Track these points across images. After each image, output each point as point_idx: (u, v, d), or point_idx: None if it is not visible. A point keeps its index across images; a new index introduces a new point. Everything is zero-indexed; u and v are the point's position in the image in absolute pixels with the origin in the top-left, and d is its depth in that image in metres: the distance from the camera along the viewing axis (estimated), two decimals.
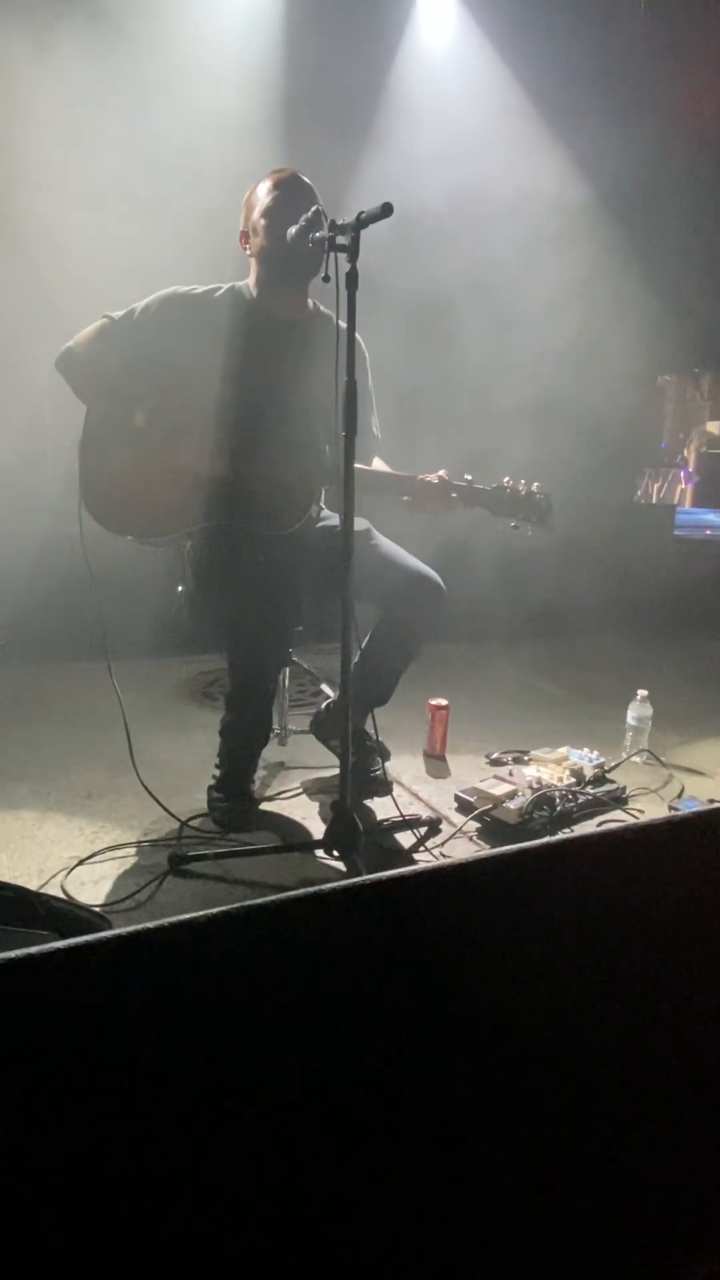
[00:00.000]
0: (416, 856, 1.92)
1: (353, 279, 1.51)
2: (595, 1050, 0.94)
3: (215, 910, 0.77)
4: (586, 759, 2.33)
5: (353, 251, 1.50)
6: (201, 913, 0.78)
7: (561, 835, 1.80)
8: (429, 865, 0.86)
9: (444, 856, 1.92)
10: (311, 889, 0.78)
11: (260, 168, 1.98)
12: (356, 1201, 0.81)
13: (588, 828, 2.10)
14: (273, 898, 0.77)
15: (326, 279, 1.53)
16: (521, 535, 1.84)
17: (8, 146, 2.88)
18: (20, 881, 1.74)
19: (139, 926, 0.77)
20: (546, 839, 0.91)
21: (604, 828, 0.94)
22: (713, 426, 9.67)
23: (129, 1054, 0.78)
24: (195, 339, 1.90)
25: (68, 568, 2.04)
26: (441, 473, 1.86)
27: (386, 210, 1.38)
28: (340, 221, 1.51)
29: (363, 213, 1.43)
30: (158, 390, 1.90)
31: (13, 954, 0.74)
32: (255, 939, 0.80)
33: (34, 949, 0.75)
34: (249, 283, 2.00)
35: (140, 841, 1.96)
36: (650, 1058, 0.98)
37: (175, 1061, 0.78)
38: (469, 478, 1.87)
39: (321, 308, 2.06)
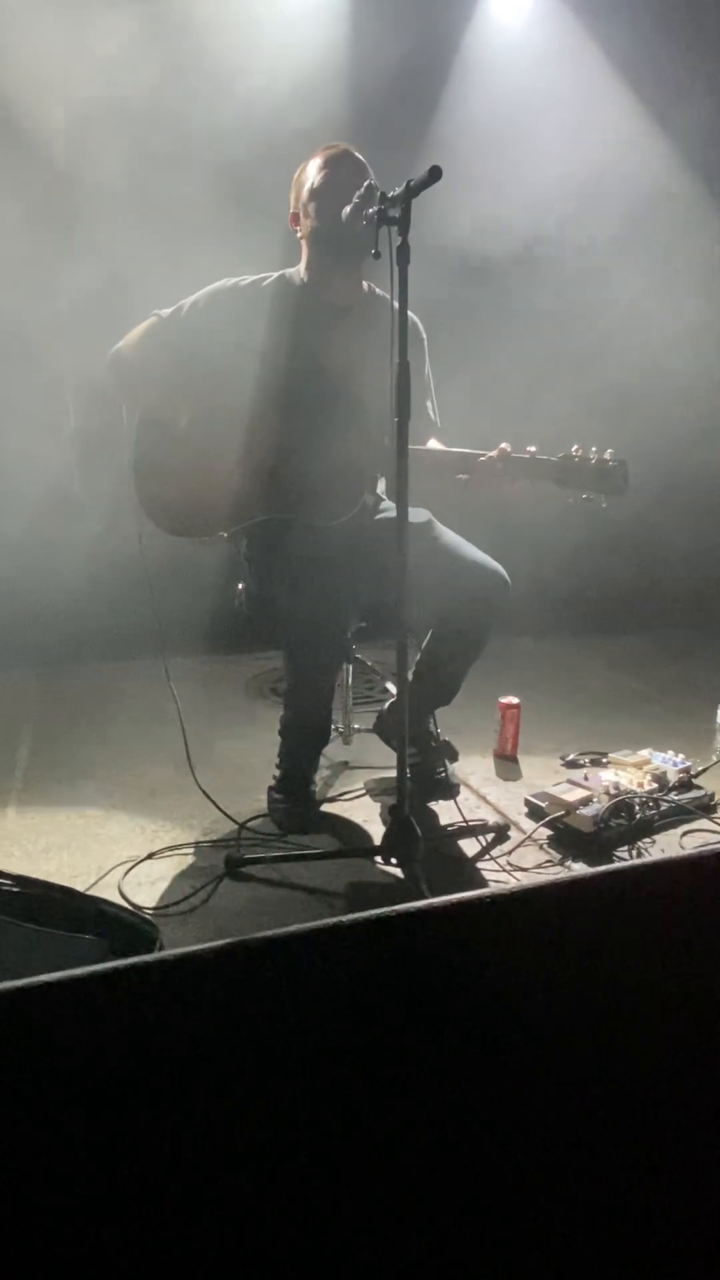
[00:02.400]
0: (481, 865, 1.82)
1: (404, 253, 1.42)
2: (621, 1092, 0.84)
3: (220, 943, 0.71)
4: (671, 762, 2.17)
5: (404, 224, 1.41)
6: (206, 945, 0.72)
7: (632, 859, 1.67)
8: (468, 896, 0.78)
9: (511, 866, 1.82)
10: (321, 923, 0.71)
11: (326, 139, 1.90)
12: (366, 1232, 0.75)
13: (670, 838, 1.94)
14: (278, 931, 0.70)
15: (377, 255, 1.44)
16: (595, 507, 1.69)
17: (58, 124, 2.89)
18: (79, 880, 1.75)
19: (143, 958, 0.72)
20: (580, 871, 0.81)
21: (650, 859, 0.83)
22: None
23: (141, 1084, 0.74)
24: (246, 330, 1.85)
25: (139, 564, 2.04)
26: (503, 445, 1.73)
27: (434, 174, 1.28)
28: (390, 194, 1.42)
29: (411, 181, 1.34)
30: (210, 385, 1.87)
31: (11, 985, 0.71)
32: (267, 972, 0.74)
33: (38, 979, 0.71)
34: (300, 268, 1.94)
35: (199, 842, 1.93)
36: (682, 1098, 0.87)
37: (182, 1091, 0.74)
38: (533, 449, 1.72)
39: (377, 290, 1.97)
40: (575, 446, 1.69)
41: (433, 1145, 0.78)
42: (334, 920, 0.72)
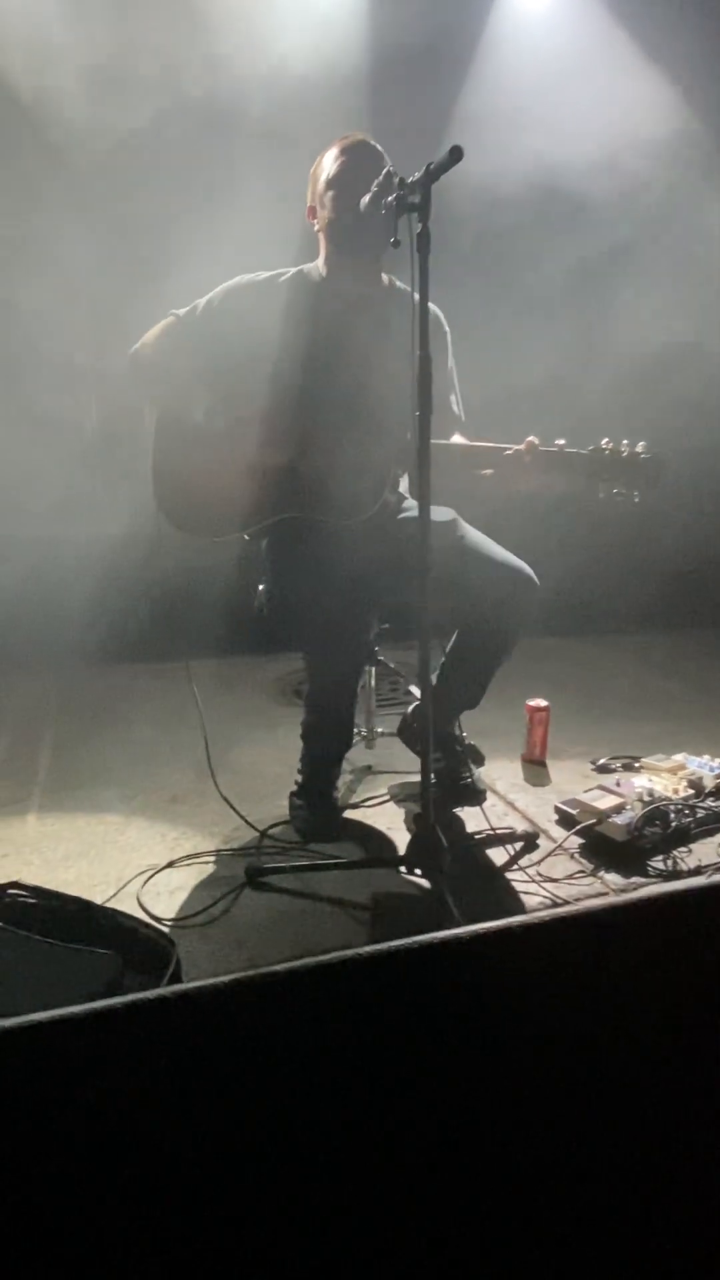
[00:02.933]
0: (509, 875, 1.76)
1: (424, 241, 1.36)
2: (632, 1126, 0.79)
3: (225, 979, 0.66)
4: (707, 767, 2.08)
5: (424, 210, 1.35)
6: (209, 981, 0.67)
7: (661, 884, 1.59)
8: (501, 924, 0.72)
9: (540, 876, 1.75)
10: (325, 958, 0.66)
11: (346, 123, 1.85)
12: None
13: (708, 847, 1.86)
14: (286, 965, 0.65)
15: (396, 243, 1.38)
16: (627, 503, 1.61)
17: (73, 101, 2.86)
18: (98, 889, 1.72)
19: (147, 994, 0.68)
20: (588, 904, 0.76)
21: (670, 887, 0.77)
22: None
23: (148, 1122, 0.70)
24: (264, 326, 1.80)
25: (156, 567, 2.01)
26: (531, 439, 1.66)
27: (455, 155, 1.22)
28: (410, 179, 1.36)
29: (431, 164, 1.28)
30: (228, 384, 1.82)
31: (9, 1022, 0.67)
32: (280, 1006, 0.69)
33: (44, 1014, 0.68)
34: (318, 262, 1.89)
35: (220, 850, 1.89)
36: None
37: (188, 1128, 0.70)
38: (561, 442, 1.65)
39: (397, 283, 1.92)
40: (606, 439, 1.62)
41: (448, 1182, 0.74)
42: (341, 954, 0.67)
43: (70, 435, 3.18)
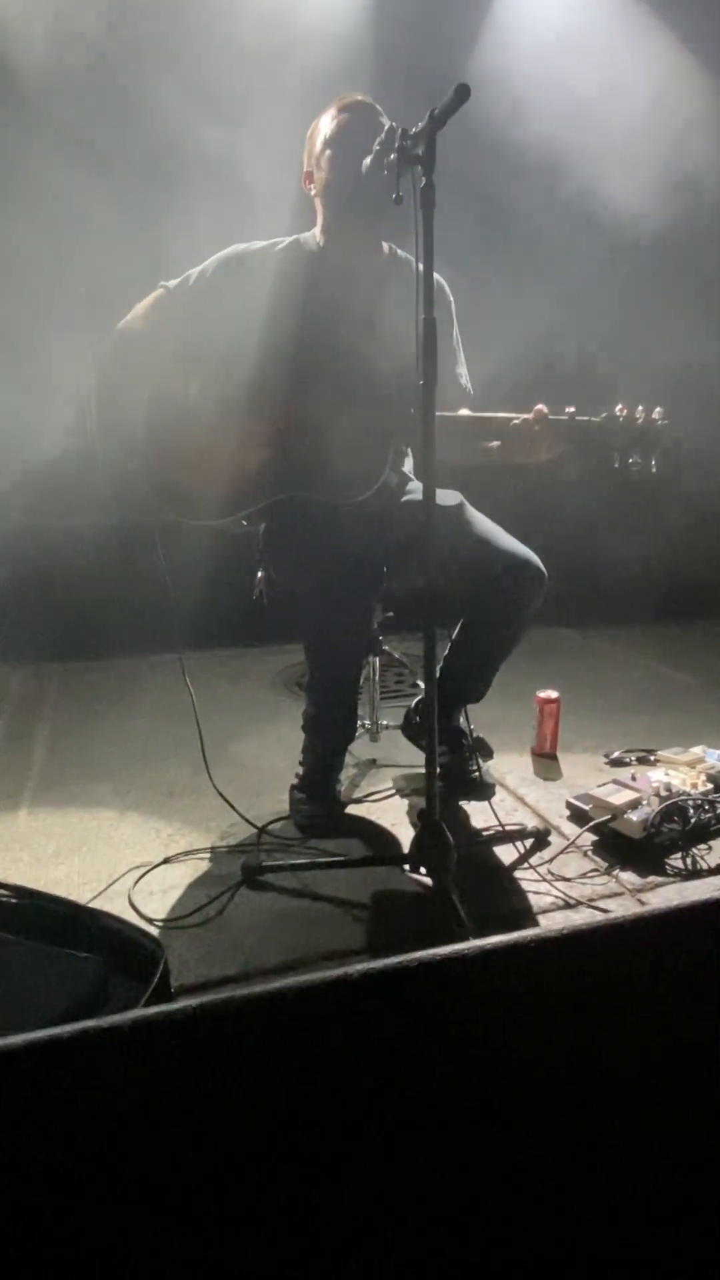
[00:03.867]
0: (519, 875, 1.67)
1: (429, 196, 1.26)
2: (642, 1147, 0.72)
3: (219, 998, 0.59)
4: None
5: (428, 162, 1.26)
6: (198, 1001, 0.60)
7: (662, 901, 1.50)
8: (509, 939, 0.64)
9: (552, 875, 1.66)
10: (326, 975, 0.58)
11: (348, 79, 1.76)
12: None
13: None
14: (288, 983, 0.58)
15: (399, 199, 1.29)
16: (643, 473, 1.51)
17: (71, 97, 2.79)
18: (88, 887, 1.65)
19: (133, 1013, 0.60)
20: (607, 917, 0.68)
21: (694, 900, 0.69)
22: None
23: (143, 1144, 0.63)
24: (259, 298, 1.72)
25: (157, 554, 1.93)
26: (540, 407, 1.55)
27: (462, 94, 1.13)
28: (413, 130, 1.27)
29: (435, 109, 1.19)
30: (222, 358, 1.74)
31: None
32: (285, 1024, 0.61)
33: (27, 1036, 0.61)
34: (315, 231, 1.80)
35: (216, 846, 1.81)
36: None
37: (183, 1150, 0.63)
38: (571, 409, 1.55)
39: (399, 251, 1.83)
40: (620, 405, 1.52)
41: (451, 1204, 0.66)
42: (338, 972, 0.59)
43: (65, 421, 3.10)
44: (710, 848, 1.76)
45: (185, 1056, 0.64)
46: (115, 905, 1.55)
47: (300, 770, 1.95)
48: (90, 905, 1.44)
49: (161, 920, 1.54)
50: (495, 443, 1.62)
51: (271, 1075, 0.64)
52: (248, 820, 1.85)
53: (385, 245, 1.83)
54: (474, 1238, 0.69)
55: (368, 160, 1.45)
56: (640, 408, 1.49)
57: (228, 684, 2.89)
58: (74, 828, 1.91)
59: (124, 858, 1.77)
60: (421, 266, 1.31)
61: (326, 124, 1.69)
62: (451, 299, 1.83)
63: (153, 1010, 0.64)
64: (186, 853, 1.79)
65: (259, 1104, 0.64)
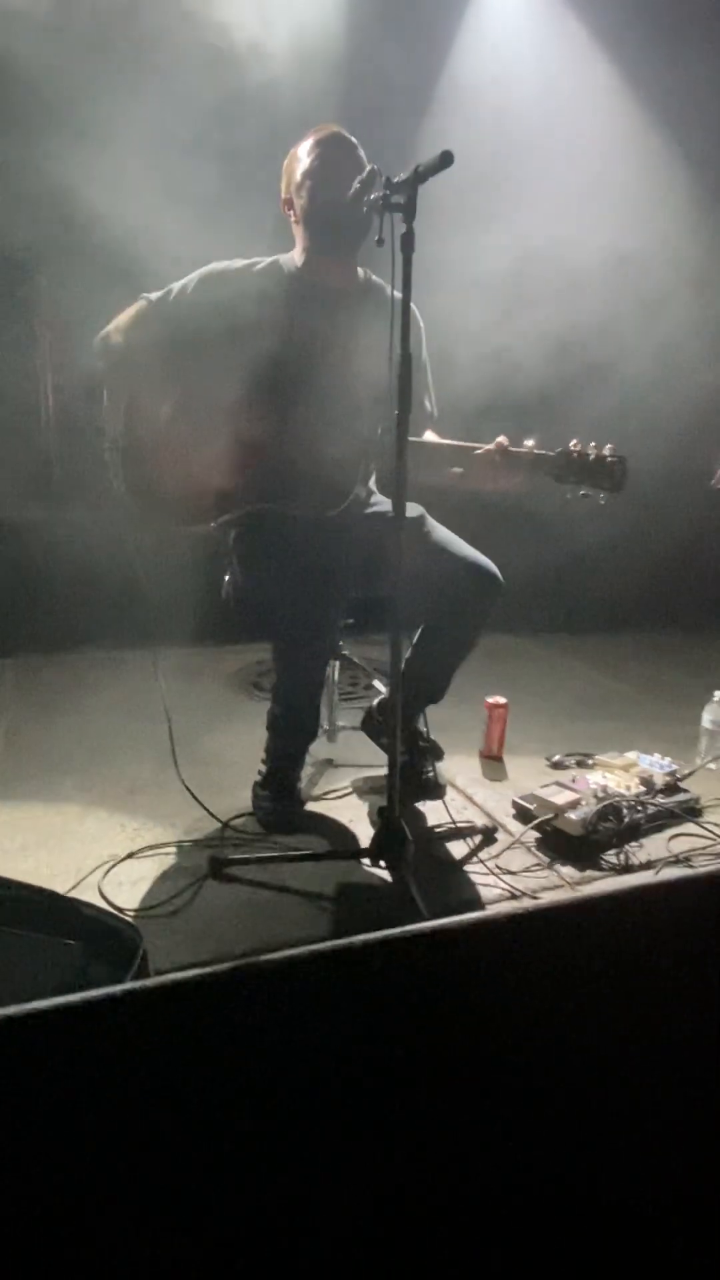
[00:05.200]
0: (469, 868, 1.80)
1: (409, 241, 1.37)
2: (629, 1112, 0.83)
3: (215, 968, 0.67)
4: (657, 765, 2.16)
5: (409, 211, 1.36)
6: (197, 971, 0.68)
7: (613, 883, 1.65)
8: (479, 916, 0.75)
9: (499, 869, 1.79)
10: (316, 947, 0.68)
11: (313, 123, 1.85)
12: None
13: (658, 842, 1.93)
14: (272, 956, 0.67)
15: (380, 242, 1.40)
16: (592, 503, 1.66)
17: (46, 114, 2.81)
18: (57, 880, 1.70)
19: (138, 984, 0.68)
20: (579, 895, 0.79)
21: (658, 878, 0.81)
22: None
23: (131, 1112, 0.70)
24: (238, 315, 1.80)
25: (117, 554, 1.98)
26: (501, 439, 1.70)
27: (446, 160, 1.24)
28: (396, 179, 1.38)
29: (420, 165, 1.29)
30: (200, 371, 1.81)
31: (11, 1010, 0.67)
32: (259, 997, 0.70)
33: (33, 1005, 0.68)
34: (294, 253, 1.89)
35: (182, 841, 1.88)
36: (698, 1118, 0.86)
37: (178, 1121, 0.70)
38: (530, 443, 1.69)
39: (373, 277, 1.93)
40: (574, 441, 1.66)
41: (438, 1172, 0.76)
42: (339, 943, 0.69)
43: (31, 414, 3.11)
44: (641, 845, 1.92)
45: (190, 1026, 0.71)
46: (86, 897, 1.61)
47: (263, 768, 2.03)
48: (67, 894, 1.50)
49: (133, 911, 1.60)
50: (459, 469, 1.74)
51: (277, 1044, 0.72)
52: (213, 815, 1.93)
53: (360, 271, 1.93)
54: (465, 1211, 0.76)
55: (350, 194, 1.55)
56: (593, 444, 1.64)
57: (185, 683, 2.94)
58: (38, 822, 1.95)
59: (90, 851, 1.83)
60: (399, 302, 1.42)
61: (305, 155, 1.78)
62: (422, 325, 1.95)
63: (155, 981, 0.71)
64: (152, 847, 1.85)
65: (262, 1074, 0.71)
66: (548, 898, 1.71)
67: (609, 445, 1.63)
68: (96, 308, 1.91)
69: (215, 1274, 0.69)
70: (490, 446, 1.69)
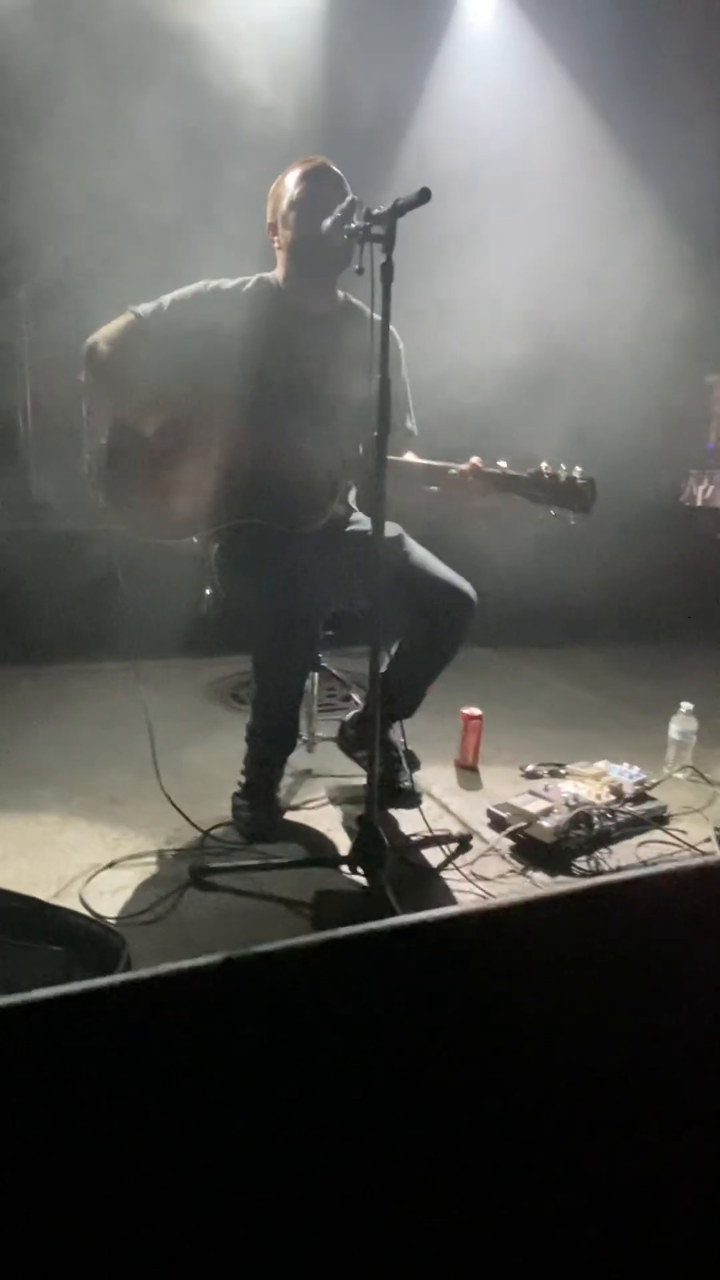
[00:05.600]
0: (445, 875, 1.84)
1: (388, 271, 1.43)
2: (627, 1103, 0.87)
3: (208, 959, 0.71)
4: (626, 774, 2.23)
5: (388, 242, 1.42)
6: (203, 960, 0.72)
7: (595, 875, 1.71)
8: (456, 910, 0.79)
9: (474, 875, 1.84)
10: (310, 938, 0.72)
11: (296, 153, 1.92)
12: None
13: (627, 849, 2.00)
14: (259, 949, 0.71)
15: (360, 271, 1.46)
16: (562, 523, 1.72)
17: (34, 131, 2.85)
18: (39, 889, 1.71)
19: (145, 972, 0.71)
20: (582, 882, 0.84)
21: (644, 871, 0.85)
22: None
23: (132, 1102, 0.73)
24: (226, 332, 1.85)
25: (97, 565, 2.01)
26: (474, 460, 1.76)
27: (424, 196, 1.30)
28: (376, 211, 1.44)
29: (399, 200, 1.36)
30: (187, 386, 1.85)
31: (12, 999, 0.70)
32: (255, 988, 0.74)
33: (35, 994, 0.71)
34: (278, 274, 1.95)
35: (162, 850, 1.91)
36: (691, 1109, 0.90)
37: (180, 1112, 0.73)
38: (503, 464, 1.75)
39: (352, 299, 2.00)
40: (545, 463, 1.73)
41: (432, 1166, 0.78)
42: (328, 934, 0.73)
43: (9, 430, 3.13)
44: (611, 851, 1.98)
45: (184, 1017, 0.74)
46: (67, 905, 1.63)
47: (243, 779, 2.06)
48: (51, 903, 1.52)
49: (114, 918, 1.62)
50: (435, 488, 1.80)
51: (275, 1034, 0.75)
52: (193, 824, 1.95)
53: (340, 294, 1.99)
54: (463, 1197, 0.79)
55: (328, 222, 1.62)
56: (562, 465, 1.70)
57: (163, 694, 2.96)
58: (18, 832, 1.97)
59: (71, 861, 1.84)
60: (379, 328, 1.48)
61: (292, 186, 1.84)
62: (402, 346, 2.01)
63: (148, 972, 0.74)
64: (133, 856, 1.88)
65: (257, 1064, 0.74)
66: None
67: (578, 467, 1.70)
68: (76, 321, 1.95)
69: (208, 1263, 0.72)
70: (464, 467, 1.75)
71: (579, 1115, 0.83)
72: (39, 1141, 0.70)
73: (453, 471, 1.77)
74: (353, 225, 1.50)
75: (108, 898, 1.70)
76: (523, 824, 1.97)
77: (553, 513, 1.71)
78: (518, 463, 1.76)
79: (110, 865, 1.83)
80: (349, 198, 1.59)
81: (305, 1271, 0.74)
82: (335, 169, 1.85)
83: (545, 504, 1.72)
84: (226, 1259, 0.72)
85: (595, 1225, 0.84)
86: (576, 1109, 0.83)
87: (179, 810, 1.94)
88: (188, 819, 1.95)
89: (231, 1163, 0.72)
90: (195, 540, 1.96)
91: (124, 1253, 0.70)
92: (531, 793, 2.08)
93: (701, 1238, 0.87)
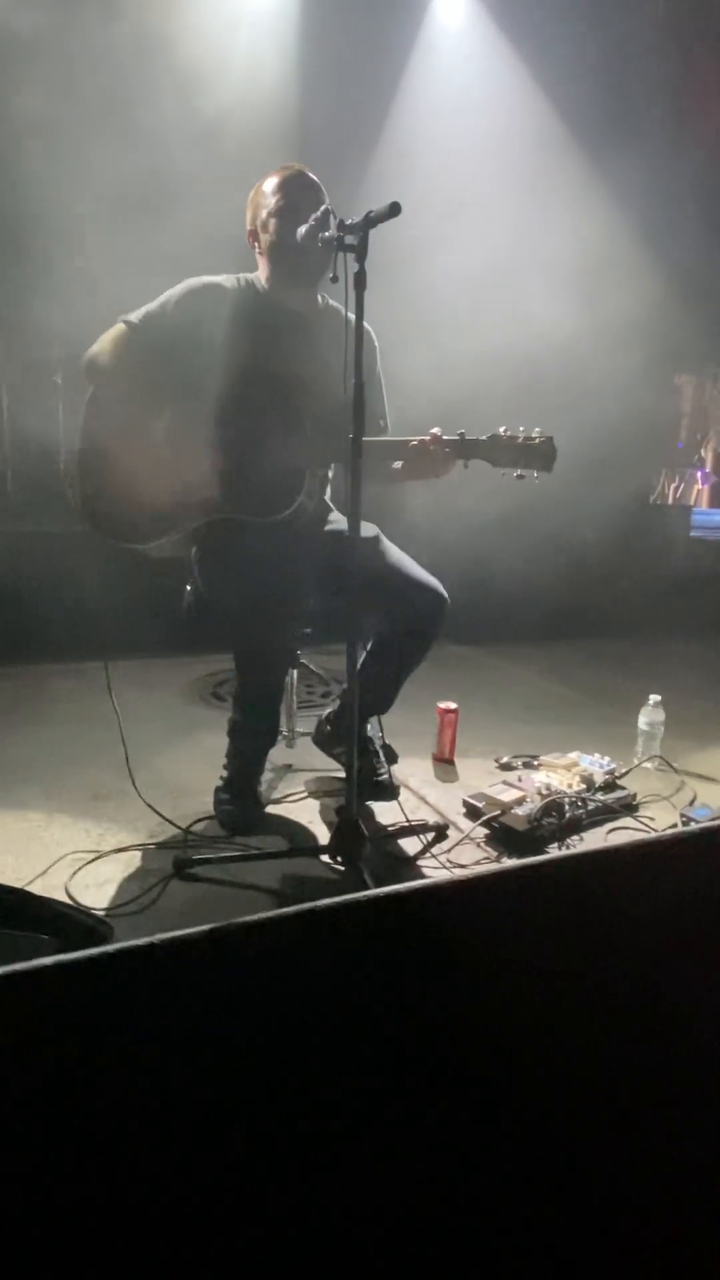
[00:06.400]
0: (422, 863, 1.90)
1: (361, 279, 1.49)
2: (596, 1062, 0.92)
3: (208, 926, 0.76)
4: (597, 765, 2.30)
5: (361, 251, 1.48)
6: (199, 929, 0.77)
7: (567, 850, 1.78)
8: (437, 880, 0.85)
9: (451, 863, 1.90)
10: (300, 906, 0.77)
11: (271, 162, 1.96)
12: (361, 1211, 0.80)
13: (597, 835, 2.07)
14: (254, 917, 0.76)
15: (335, 279, 1.51)
16: (529, 483, 1.76)
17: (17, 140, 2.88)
18: (23, 883, 1.74)
19: (139, 941, 0.76)
20: (554, 854, 0.90)
21: (609, 844, 0.91)
22: None
23: (127, 1068, 0.77)
24: (218, 329, 1.88)
25: (79, 564, 2.04)
26: (435, 430, 1.80)
27: (394, 210, 1.36)
28: (349, 221, 1.49)
29: (371, 212, 1.41)
30: (180, 388, 1.87)
31: (13, 967, 0.74)
32: (248, 955, 0.79)
33: (36, 961, 0.75)
34: (260, 275, 2.00)
35: (146, 844, 1.95)
36: (652, 1070, 0.96)
37: (174, 1076, 0.77)
38: (462, 431, 1.79)
39: (330, 301, 2.05)
40: (504, 427, 1.77)
41: (426, 1133, 0.82)
42: (309, 905, 0.78)
43: None
44: (582, 838, 2.05)
45: (175, 986, 0.78)
46: (55, 898, 1.67)
47: (225, 774, 2.11)
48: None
49: (100, 910, 1.66)
50: (398, 464, 1.85)
51: (266, 1004, 0.79)
52: (171, 822, 2.00)
53: (320, 296, 2.04)
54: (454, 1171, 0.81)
55: (302, 230, 1.67)
56: (521, 427, 1.76)
57: (142, 694, 2.99)
58: (3, 828, 2.00)
59: (56, 855, 1.88)
60: (352, 331, 1.53)
61: (271, 194, 1.88)
62: (377, 344, 2.06)
63: (153, 939, 0.78)
64: (118, 850, 1.91)
65: (248, 1034, 0.78)
66: None
67: (537, 428, 1.75)
68: (49, 327, 1.98)
69: (204, 1243, 0.75)
70: (425, 437, 1.80)
71: (552, 1069, 0.89)
72: (32, 1104, 0.74)
73: (413, 443, 1.82)
74: (327, 234, 1.56)
75: (93, 890, 1.74)
76: (497, 813, 2.03)
77: (517, 474, 1.75)
78: (475, 429, 1.81)
79: (95, 859, 1.87)
80: (323, 206, 1.64)
81: (291, 1220, 0.78)
82: (312, 176, 1.90)
83: (508, 465, 1.76)
84: (214, 1206, 0.76)
85: (568, 1170, 0.89)
86: (548, 1062, 0.89)
87: (154, 810, 1.99)
88: (164, 817, 1.99)
89: (217, 1123, 0.77)
90: (175, 540, 1.98)
91: (114, 1210, 0.73)
92: (506, 783, 2.15)
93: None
